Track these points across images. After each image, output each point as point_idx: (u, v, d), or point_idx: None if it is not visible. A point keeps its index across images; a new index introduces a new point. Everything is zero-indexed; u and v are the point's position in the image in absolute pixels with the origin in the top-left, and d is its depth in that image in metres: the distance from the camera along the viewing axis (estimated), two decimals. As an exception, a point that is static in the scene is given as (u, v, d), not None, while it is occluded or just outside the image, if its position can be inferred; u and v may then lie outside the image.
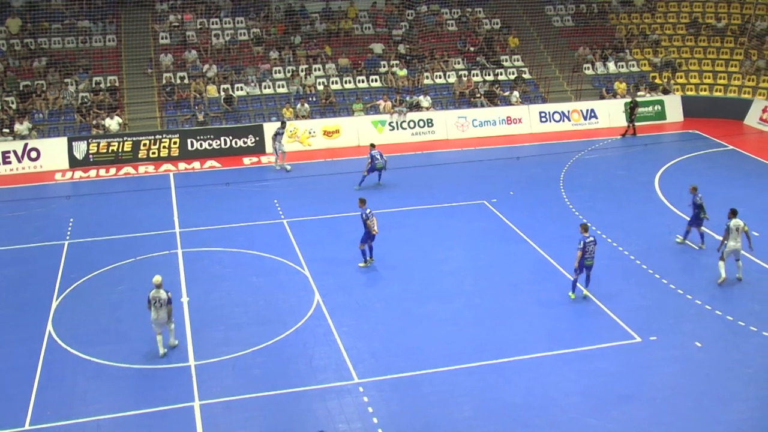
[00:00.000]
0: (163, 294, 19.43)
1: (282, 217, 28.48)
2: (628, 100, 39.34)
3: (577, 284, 22.71)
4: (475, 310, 22.09)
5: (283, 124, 34.64)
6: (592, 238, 22.32)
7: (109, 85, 38.56)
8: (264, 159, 35.48)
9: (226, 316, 21.76)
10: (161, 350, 19.69)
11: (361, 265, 24.53)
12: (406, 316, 21.80)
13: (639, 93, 41.69)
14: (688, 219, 26.22)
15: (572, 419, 17.48)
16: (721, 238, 23.76)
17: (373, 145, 32.05)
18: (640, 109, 40.67)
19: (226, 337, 20.61)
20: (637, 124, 39.50)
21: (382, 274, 24.16)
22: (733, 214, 23.67)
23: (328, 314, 21.76)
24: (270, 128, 36.18)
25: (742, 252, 23.78)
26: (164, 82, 38.97)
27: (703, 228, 25.94)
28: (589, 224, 22.72)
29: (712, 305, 22.37)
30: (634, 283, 23.74)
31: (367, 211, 24.24)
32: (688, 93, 42.80)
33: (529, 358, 19.80)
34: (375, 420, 17.35)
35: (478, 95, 40.08)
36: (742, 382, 18.95)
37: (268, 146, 35.68)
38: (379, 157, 31.34)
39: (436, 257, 25.31)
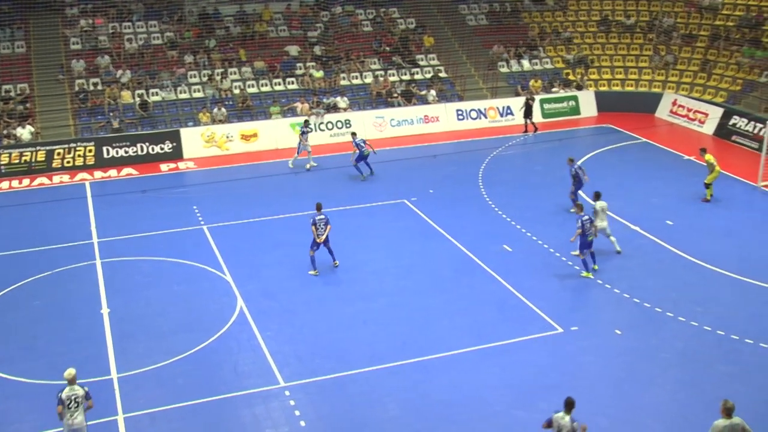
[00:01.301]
0: (79, 390, 15.77)
1: (202, 223, 28.19)
2: (525, 97, 39.82)
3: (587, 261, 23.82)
4: (398, 309, 22.22)
5: (307, 122, 34.40)
6: (587, 217, 23.54)
7: (19, 93, 37.59)
8: (182, 165, 35.00)
9: (148, 325, 21.45)
10: None
11: (311, 273, 24.27)
12: (330, 317, 21.82)
13: (553, 89, 42.40)
14: (572, 190, 27.96)
15: (499, 412, 17.76)
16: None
17: (354, 134, 32.82)
18: (555, 105, 41.47)
19: (148, 348, 20.31)
20: (553, 119, 40.28)
21: (305, 277, 24.09)
22: (597, 196, 25.05)
23: (251, 319, 21.65)
24: (187, 133, 35.82)
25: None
26: (77, 88, 38.17)
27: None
28: (582, 204, 24.03)
29: (631, 294, 22.94)
30: (555, 275, 24.18)
31: (317, 217, 24.04)
32: (601, 88, 43.73)
33: (453, 354, 20.01)
34: (302, 423, 17.35)
35: (395, 95, 40.28)
36: (660, 367, 19.53)
37: (187, 151, 35.32)
38: (363, 144, 31.91)
39: (358, 258, 25.36)
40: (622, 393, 18.50)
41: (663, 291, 23.16)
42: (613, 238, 25.32)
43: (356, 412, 17.81)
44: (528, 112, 38.98)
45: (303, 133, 33.77)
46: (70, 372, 15.75)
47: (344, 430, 17.19)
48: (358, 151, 31.92)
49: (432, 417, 17.59)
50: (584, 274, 23.90)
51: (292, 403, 18.04)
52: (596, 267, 24.14)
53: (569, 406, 14.58)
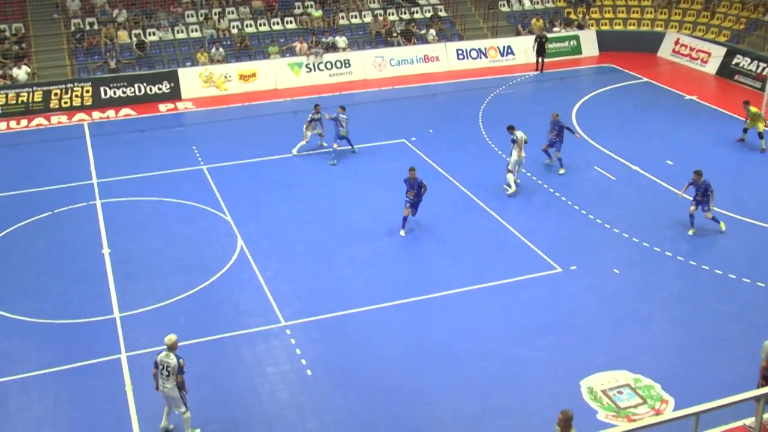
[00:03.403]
0: (172, 360, 14.86)
1: (201, 163, 28.14)
2: (537, 35, 39.52)
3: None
4: (398, 249, 22.30)
5: (317, 108, 29.24)
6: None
7: (14, 32, 37.21)
8: (180, 105, 34.80)
9: (149, 266, 21.54)
10: (163, 422, 15.57)
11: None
12: (330, 257, 21.89)
13: (554, 29, 41.98)
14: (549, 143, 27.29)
15: (498, 350, 17.91)
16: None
17: (343, 108, 28.84)
18: (557, 45, 41.09)
19: (150, 287, 20.42)
20: (554, 59, 39.99)
21: (305, 217, 24.13)
22: (513, 129, 25.09)
23: (252, 259, 21.71)
24: (185, 74, 35.59)
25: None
26: (73, 28, 37.78)
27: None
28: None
29: (629, 233, 22.99)
30: (554, 215, 24.23)
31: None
32: (603, 27, 43.29)
33: (453, 293, 20.13)
34: (303, 361, 17.50)
35: (395, 34, 39.90)
36: (657, 306, 19.67)
37: (186, 91, 35.16)
38: (344, 124, 28.29)
39: (358, 198, 25.39)
40: (620, 331, 18.65)
41: (661, 231, 23.21)
42: (512, 176, 25.47)
43: (356, 350, 17.96)
44: (541, 50, 38.69)
45: (311, 121, 28.79)
46: (170, 338, 14.88)
47: (344, 368, 17.34)
48: (336, 129, 28.32)
49: (432, 355, 17.75)
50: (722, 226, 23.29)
51: (292, 341, 18.19)
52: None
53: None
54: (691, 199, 23.05)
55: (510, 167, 25.40)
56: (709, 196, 22.68)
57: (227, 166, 27.88)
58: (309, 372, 17.21)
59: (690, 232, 22.97)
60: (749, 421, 15.10)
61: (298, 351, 17.87)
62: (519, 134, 25.17)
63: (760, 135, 28.99)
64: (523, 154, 25.39)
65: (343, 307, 19.48)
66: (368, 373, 17.20)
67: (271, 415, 16.00)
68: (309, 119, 28.68)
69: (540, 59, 38.99)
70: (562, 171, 26.80)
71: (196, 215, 24.34)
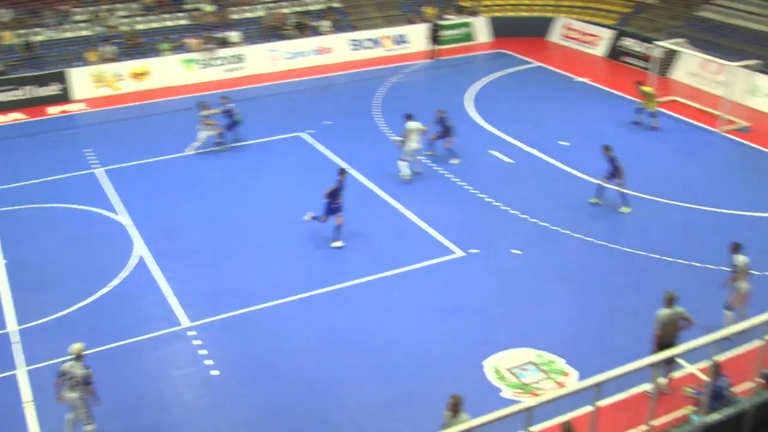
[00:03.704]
0: (78, 371, 14.38)
1: (96, 166, 27.46)
2: (431, 23, 39.86)
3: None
4: (299, 243, 22.23)
5: (203, 104, 28.65)
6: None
7: None
8: (72, 107, 33.85)
9: (46, 275, 20.93)
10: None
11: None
12: (231, 255, 21.70)
13: (447, 16, 42.37)
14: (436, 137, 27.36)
15: (403, 338, 18.07)
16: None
17: (226, 98, 29.06)
18: (450, 32, 41.51)
19: (48, 298, 19.82)
20: (447, 46, 40.41)
21: (204, 216, 23.84)
22: (409, 117, 25.33)
23: (152, 261, 21.35)
24: (75, 74, 34.70)
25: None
26: (-47, 32, 36.41)
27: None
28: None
29: (528, 214, 23.44)
30: (454, 201, 24.52)
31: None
32: (495, 14, 43.84)
33: (357, 283, 20.21)
34: (209, 362, 17.31)
35: (288, 27, 39.64)
36: (557, 283, 20.16)
37: (77, 92, 34.28)
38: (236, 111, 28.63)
39: (257, 194, 25.23)
40: (521, 310, 19.02)
41: (560, 210, 23.74)
42: (405, 162, 25.66)
43: (262, 346, 17.87)
44: (434, 38, 38.99)
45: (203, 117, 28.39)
46: (75, 347, 14.41)
47: (251, 366, 17.23)
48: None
49: (338, 346, 17.79)
50: (624, 209, 23.69)
51: (197, 342, 17.97)
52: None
53: None
54: (604, 175, 23.75)
55: (403, 156, 25.56)
56: (618, 170, 23.38)
57: (123, 168, 27.30)
58: (216, 372, 17.02)
59: (592, 200, 23.88)
60: (647, 386, 15.64)
61: (203, 352, 17.66)
62: (411, 124, 25.31)
63: (653, 114, 29.86)
64: (419, 145, 25.62)
65: (246, 304, 19.34)
66: (275, 369, 17.14)
67: (179, 419, 15.79)
68: (201, 116, 28.25)
69: (434, 46, 39.28)
70: (454, 161, 27.01)
71: (93, 220, 23.78)
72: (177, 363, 17.36)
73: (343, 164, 26.77)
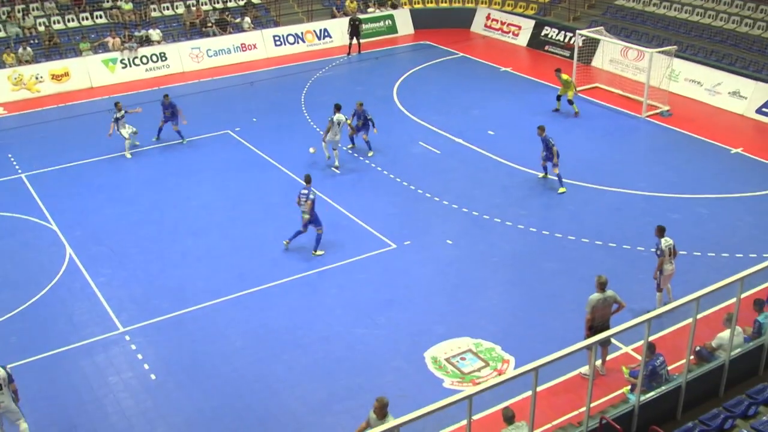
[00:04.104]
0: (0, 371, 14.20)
1: (19, 171, 26.75)
2: (350, 17, 39.76)
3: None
4: (231, 242, 22.05)
5: (118, 105, 27.82)
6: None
7: None
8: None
9: (-28, 285, 20.34)
10: None
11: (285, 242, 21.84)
12: (163, 257, 21.40)
13: (369, 9, 42.39)
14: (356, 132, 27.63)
15: (340, 332, 18.06)
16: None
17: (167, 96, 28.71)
18: (372, 25, 41.55)
19: (-26, 308, 19.27)
20: (371, 39, 40.44)
21: (133, 218, 23.44)
22: (338, 108, 25.87)
23: (82, 267, 20.93)
24: (-5, 78, 33.74)
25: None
26: None
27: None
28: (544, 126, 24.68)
29: (459, 204, 23.61)
30: (384, 193, 24.58)
31: (302, 191, 21.31)
32: (416, 6, 44.01)
33: (291, 280, 20.14)
34: (146, 366, 17.09)
35: (210, 24, 39.19)
36: (490, 271, 20.39)
37: (0, 95, 33.38)
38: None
39: (186, 193, 24.92)
40: (457, 299, 19.18)
41: (489, 198, 23.98)
42: (336, 152, 26.26)
43: (199, 347, 17.68)
44: (355, 32, 38.89)
45: (116, 120, 27.49)
46: None
47: (188, 368, 17.04)
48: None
49: (275, 343, 17.70)
50: (562, 190, 24.30)
51: (133, 347, 17.72)
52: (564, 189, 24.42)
53: None
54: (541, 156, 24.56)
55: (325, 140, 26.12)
56: (552, 151, 23.96)
57: (48, 172, 26.65)
58: (153, 376, 16.82)
59: (540, 175, 24.98)
60: (584, 369, 15.97)
61: (139, 356, 17.41)
62: (338, 116, 25.54)
63: (571, 101, 30.32)
64: (337, 137, 25.90)
65: (181, 306, 19.11)
66: (212, 369, 16.98)
67: (119, 426, 15.52)
68: (114, 118, 27.53)
69: (357, 42, 39.23)
70: (370, 153, 27.14)
71: (19, 227, 23.17)
72: (114, 369, 17.06)
73: (270, 160, 26.66)
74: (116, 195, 24.82)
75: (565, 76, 30.45)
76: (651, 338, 13.38)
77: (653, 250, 18.20)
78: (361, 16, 41.02)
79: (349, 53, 39.16)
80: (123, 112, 27.53)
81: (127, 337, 18.02)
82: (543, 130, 24.40)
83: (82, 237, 22.43)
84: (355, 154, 27.04)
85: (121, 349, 17.68)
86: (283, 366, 16.96)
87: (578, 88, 32.26)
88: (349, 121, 26.37)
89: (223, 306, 19.10)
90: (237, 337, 17.97)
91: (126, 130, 27.61)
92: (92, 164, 26.99)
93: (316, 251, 21.21)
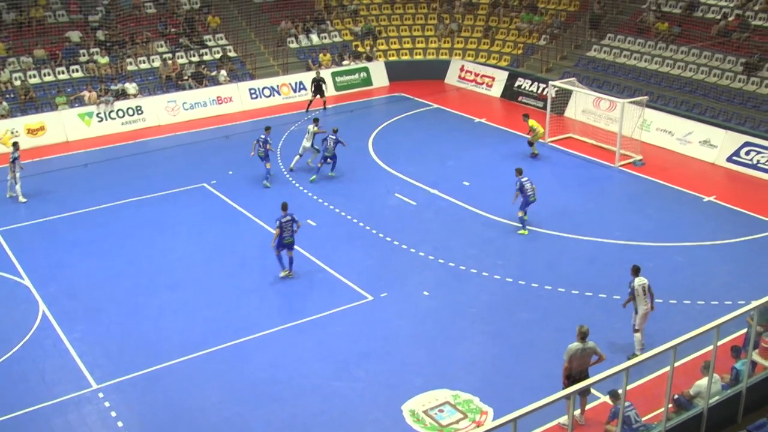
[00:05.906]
0: None
1: (-9, 227, 26.55)
2: (315, 75, 39.84)
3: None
4: (207, 295, 21.90)
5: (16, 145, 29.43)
6: (526, 178, 24.72)
7: None
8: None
9: (-58, 342, 20.01)
10: None
11: (281, 275, 22.66)
12: (139, 311, 21.21)
13: (344, 62, 42.76)
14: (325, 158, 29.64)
15: (318, 385, 17.93)
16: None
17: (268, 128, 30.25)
18: (347, 78, 41.97)
19: (-55, 366, 18.95)
20: (346, 92, 40.91)
21: (109, 272, 23.25)
22: (316, 121, 29.70)
23: (56, 323, 20.68)
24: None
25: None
26: None
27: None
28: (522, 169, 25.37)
29: (435, 255, 23.63)
30: (360, 245, 24.56)
31: (283, 219, 22.17)
32: (391, 58, 44.46)
33: (268, 333, 20.02)
34: (120, 424, 16.84)
35: (186, 77, 39.36)
36: (467, 322, 20.36)
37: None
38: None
39: (162, 247, 24.77)
40: (435, 351, 19.10)
41: (465, 249, 24.02)
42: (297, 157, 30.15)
43: (175, 403, 17.47)
44: (318, 91, 38.91)
45: (14, 161, 28.43)
46: None
47: (164, 423, 16.83)
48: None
49: (252, 398, 17.53)
50: (521, 231, 24.84)
51: (107, 404, 17.45)
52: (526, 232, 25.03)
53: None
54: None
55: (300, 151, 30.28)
56: (515, 194, 24.64)
57: (21, 227, 26.43)
58: (127, 433, 16.56)
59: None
60: (563, 419, 15.88)
61: (113, 414, 17.16)
62: (311, 127, 29.87)
63: (531, 144, 31.24)
64: (308, 144, 29.93)
65: (156, 361, 18.89)
66: (189, 426, 16.79)
67: (90, 483, 15.22)
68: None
69: (319, 98, 38.95)
70: (312, 178, 29.48)
71: (-9, 282, 22.93)
72: (87, 428, 16.78)
73: (246, 212, 26.64)
74: (91, 249, 24.64)
75: (532, 122, 30.94)
76: (629, 387, 13.37)
77: (629, 290, 18.31)
78: (337, 69, 41.31)
79: (308, 109, 38.93)
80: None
81: (101, 395, 17.76)
82: (520, 172, 24.94)
83: (56, 292, 22.20)
84: (331, 206, 27.05)
85: (94, 406, 17.40)
86: (261, 421, 16.77)
87: (551, 138, 32.65)
88: (316, 130, 30.04)
89: (199, 361, 18.89)
90: (213, 391, 17.77)
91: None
92: (67, 218, 26.83)
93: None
